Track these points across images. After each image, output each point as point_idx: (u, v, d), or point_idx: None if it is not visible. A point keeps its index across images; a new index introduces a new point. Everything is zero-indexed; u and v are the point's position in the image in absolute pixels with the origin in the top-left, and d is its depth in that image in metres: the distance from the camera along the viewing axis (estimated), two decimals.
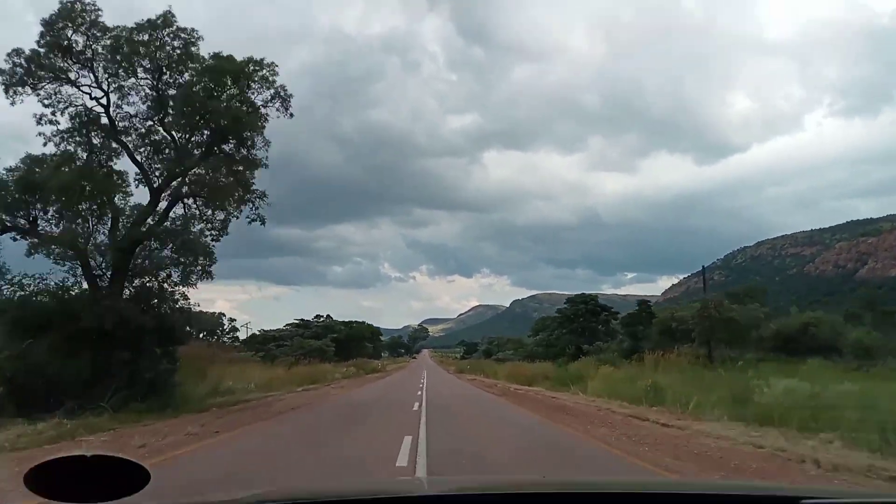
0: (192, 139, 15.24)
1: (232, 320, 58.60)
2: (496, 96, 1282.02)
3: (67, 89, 14.11)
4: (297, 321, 62.15)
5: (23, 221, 13.46)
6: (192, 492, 4.61)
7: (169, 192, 14.86)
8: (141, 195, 15.09)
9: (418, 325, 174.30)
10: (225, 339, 53.34)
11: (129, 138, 14.89)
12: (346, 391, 23.34)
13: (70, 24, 13.61)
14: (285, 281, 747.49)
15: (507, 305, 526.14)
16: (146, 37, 14.13)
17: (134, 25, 14.08)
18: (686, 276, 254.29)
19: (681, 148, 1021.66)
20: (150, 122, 15.02)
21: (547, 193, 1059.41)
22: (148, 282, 14.04)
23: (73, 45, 13.69)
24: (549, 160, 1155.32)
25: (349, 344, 63.37)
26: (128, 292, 13.65)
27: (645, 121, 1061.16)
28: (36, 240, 13.49)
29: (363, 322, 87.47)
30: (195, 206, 15.37)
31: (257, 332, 56.34)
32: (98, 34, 13.85)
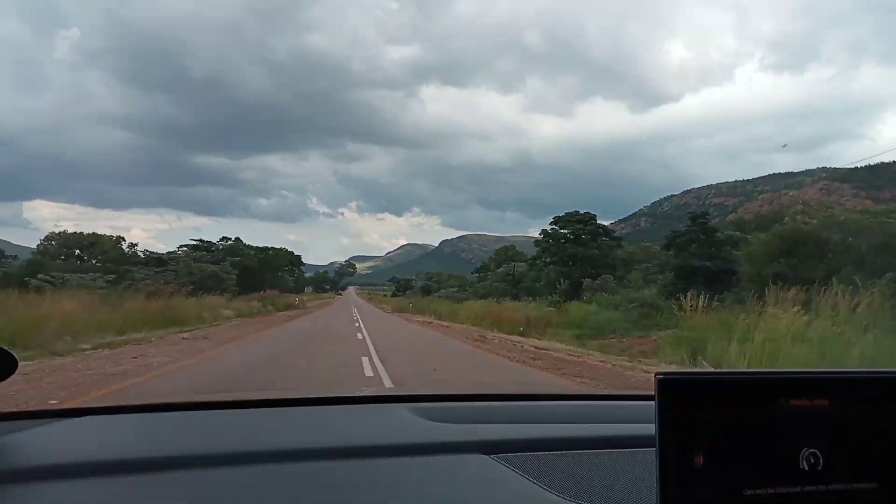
0: None
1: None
2: (438, 28, 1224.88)
3: None
4: (195, 241, 49.09)
5: None
6: None
7: None
8: None
9: (345, 261, 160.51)
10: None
11: None
12: (205, 351, 11.41)
13: None
14: (208, 212, 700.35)
15: (437, 245, 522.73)
16: None
17: None
18: (615, 220, 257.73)
19: (617, 94, 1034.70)
20: None
21: (483, 133, 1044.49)
22: None
23: None
24: (487, 99, 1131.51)
25: (262, 274, 52.00)
26: None
27: (584, 64, 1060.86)
28: None
29: (282, 249, 75.54)
30: None
31: (141, 254, 43.88)
32: None
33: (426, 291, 66.81)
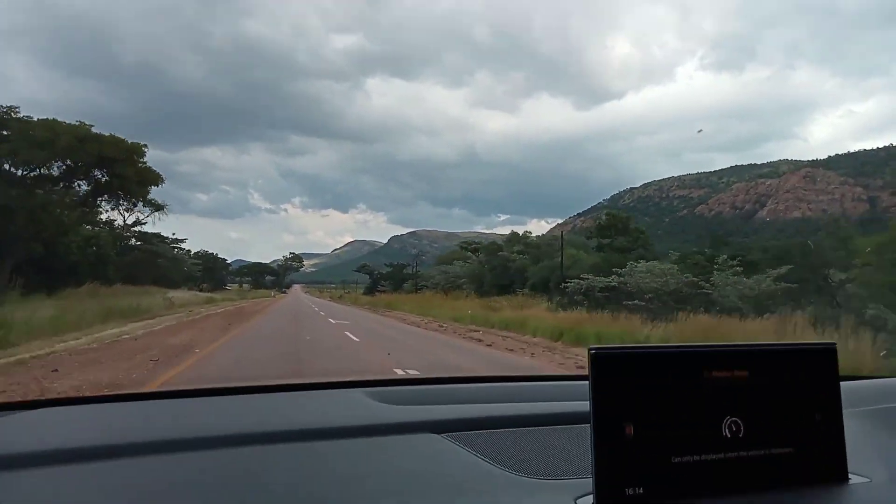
0: None
1: None
2: (385, 18, 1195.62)
3: None
4: None
5: None
6: None
7: None
8: None
9: (290, 254, 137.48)
10: None
11: None
12: None
13: None
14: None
15: (385, 242, 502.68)
16: None
17: None
18: (573, 214, 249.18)
19: (563, 90, 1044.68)
20: None
21: (430, 128, 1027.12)
22: None
23: None
24: (434, 92, 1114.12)
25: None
26: None
27: (531, 59, 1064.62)
28: None
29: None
30: None
31: None
32: None
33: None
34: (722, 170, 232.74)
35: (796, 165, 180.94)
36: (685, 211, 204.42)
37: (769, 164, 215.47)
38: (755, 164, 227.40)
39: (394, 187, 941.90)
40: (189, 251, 64.84)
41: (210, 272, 74.58)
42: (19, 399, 1.56)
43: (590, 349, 0.67)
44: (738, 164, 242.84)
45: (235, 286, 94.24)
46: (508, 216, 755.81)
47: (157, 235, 55.24)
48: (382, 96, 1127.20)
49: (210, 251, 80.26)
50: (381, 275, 77.39)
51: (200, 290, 49.87)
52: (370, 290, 74.68)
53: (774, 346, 0.74)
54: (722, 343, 0.74)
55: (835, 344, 0.77)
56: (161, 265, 44.54)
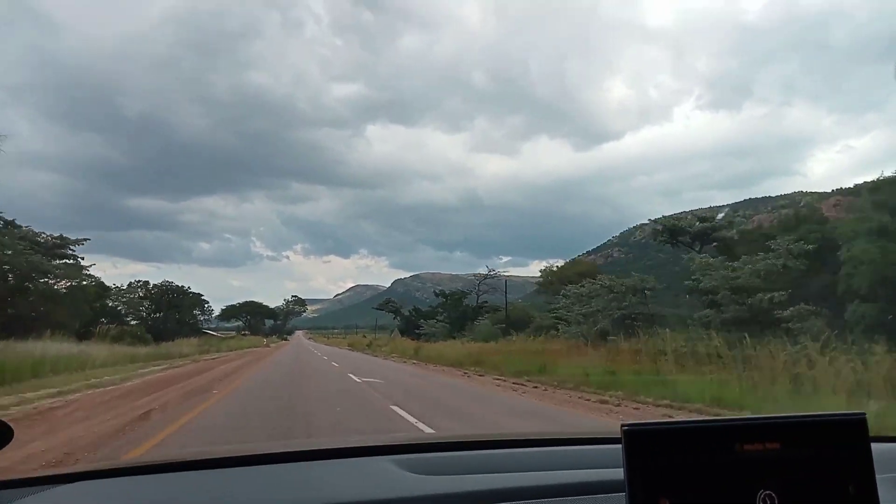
0: None
1: None
2: (384, 66, 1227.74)
3: None
4: None
5: None
6: None
7: None
8: None
9: (292, 297, 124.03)
10: None
11: None
12: None
13: None
14: (146, 257, 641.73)
15: (388, 285, 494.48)
16: None
17: None
18: (583, 252, 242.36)
19: (561, 132, 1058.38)
20: None
21: (431, 173, 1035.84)
22: None
23: None
24: (434, 138, 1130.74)
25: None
26: None
27: (529, 103, 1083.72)
28: None
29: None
30: None
31: None
32: None
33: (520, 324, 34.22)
34: (737, 203, 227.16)
35: (819, 197, 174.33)
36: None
37: (784, 196, 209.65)
38: (769, 196, 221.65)
39: (395, 232, 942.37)
40: (111, 287, 45.38)
41: (164, 316, 51.16)
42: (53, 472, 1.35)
43: (622, 426, 0.68)
44: (752, 197, 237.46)
45: (217, 334, 68.95)
46: (510, 258, 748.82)
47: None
48: (383, 142, 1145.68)
49: (173, 282, 56.71)
50: (419, 312, 57.31)
51: (138, 343, 30.26)
52: (403, 333, 56.61)
53: (805, 418, 0.73)
54: (753, 416, 0.74)
55: (864, 414, 0.76)
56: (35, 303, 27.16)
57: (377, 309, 76.02)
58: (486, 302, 49.67)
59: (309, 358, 29.88)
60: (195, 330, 53.70)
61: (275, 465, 1.39)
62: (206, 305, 63.25)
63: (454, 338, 37.77)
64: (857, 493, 0.71)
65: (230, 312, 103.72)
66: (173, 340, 34.56)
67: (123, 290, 49.57)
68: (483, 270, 52.55)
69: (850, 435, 0.73)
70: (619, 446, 0.67)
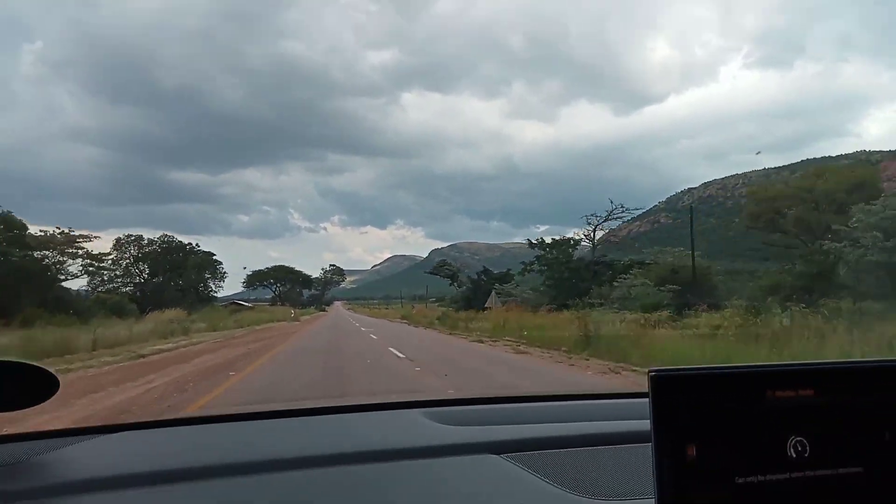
0: None
1: None
2: (419, 30, 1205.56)
3: None
4: None
5: None
6: None
7: None
8: None
9: (330, 266, 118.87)
10: None
11: None
12: None
13: None
14: (188, 230, 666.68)
15: (426, 255, 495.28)
16: None
17: None
18: (629, 219, 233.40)
19: (601, 96, 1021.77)
20: None
21: (467, 140, 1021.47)
22: None
23: None
24: (470, 104, 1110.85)
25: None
26: None
27: (568, 66, 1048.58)
28: None
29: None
30: None
31: None
32: None
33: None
34: (793, 164, 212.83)
35: (883, 156, 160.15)
36: None
37: (846, 157, 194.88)
38: (829, 156, 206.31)
39: (431, 202, 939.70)
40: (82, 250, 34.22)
41: (161, 282, 41.47)
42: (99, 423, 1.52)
43: (649, 371, 0.65)
44: (810, 157, 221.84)
45: (247, 304, 59.79)
46: (548, 226, 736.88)
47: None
48: (419, 110, 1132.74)
49: (174, 238, 46.54)
50: (490, 274, 44.47)
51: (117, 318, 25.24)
52: (467, 304, 41.91)
53: (840, 364, 0.71)
54: (786, 362, 0.71)
55: None
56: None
57: (430, 273, 64.23)
58: (605, 256, 38.13)
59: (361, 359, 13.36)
60: (203, 299, 44.87)
61: (313, 417, 1.47)
62: (218, 267, 50.43)
63: (567, 307, 26.18)
64: (892, 439, 0.69)
65: (257, 278, 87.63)
66: (163, 311, 29.95)
67: (106, 254, 39.60)
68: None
69: (888, 382, 0.70)
70: (647, 400, 0.64)
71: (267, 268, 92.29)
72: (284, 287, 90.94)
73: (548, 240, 39.00)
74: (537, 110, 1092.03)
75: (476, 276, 49.61)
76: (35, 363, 1.01)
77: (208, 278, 49.49)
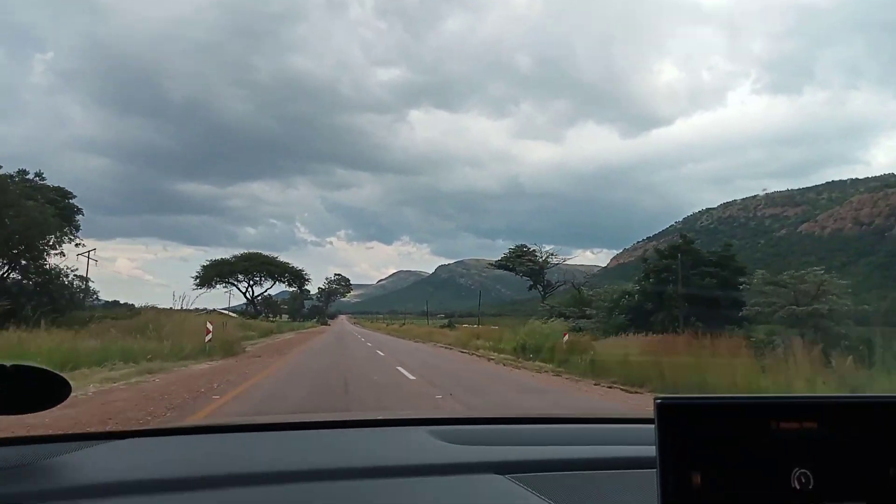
0: None
1: None
2: (427, 49, 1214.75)
3: None
4: None
5: None
6: None
7: None
8: None
9: (335, 276, 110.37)
10: None
11: None
12: None
13: None
14: (195, 241, 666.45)
15: (432, 271, 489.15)
16: None
17: None
18: (644, 239, 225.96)
19: (608, 118, 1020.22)
20: None
21: (474, 159, 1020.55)
22: None
23: None
24: (477, 123, 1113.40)
25: None
26: None
27: (575, 87, 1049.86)
28: None
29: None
30: None
31: None
32: None
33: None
34: (818, 186, 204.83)
35: None
36: (783, 231, 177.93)
37: (875, 179, 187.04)
38: (857, 178, 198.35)
39: (436, 219, 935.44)
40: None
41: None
42: (111, 429, 1.52)
43: (655, 399, 0.66)
44: (835, 178, 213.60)
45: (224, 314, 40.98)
46: (553, 246, 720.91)
47: None
48: (426, 128, 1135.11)
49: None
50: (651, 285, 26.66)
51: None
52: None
53: (845, 399, 0.72)
54: (791, 394, 0.72)
55: None
56: None
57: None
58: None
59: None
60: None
61: (319, 431, 1.47)
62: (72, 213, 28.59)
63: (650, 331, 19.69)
64: None
65: (215, 272, 58.50)
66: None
67: None
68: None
69: (893, 418, 0.69)
70: (652, 426, 0.64)
71: (234, 256, 61.33)
72: (257, 281, 60.26)
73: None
74: (544, 131, 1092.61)
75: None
76: (49, 369, 1.00)
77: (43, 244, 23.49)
